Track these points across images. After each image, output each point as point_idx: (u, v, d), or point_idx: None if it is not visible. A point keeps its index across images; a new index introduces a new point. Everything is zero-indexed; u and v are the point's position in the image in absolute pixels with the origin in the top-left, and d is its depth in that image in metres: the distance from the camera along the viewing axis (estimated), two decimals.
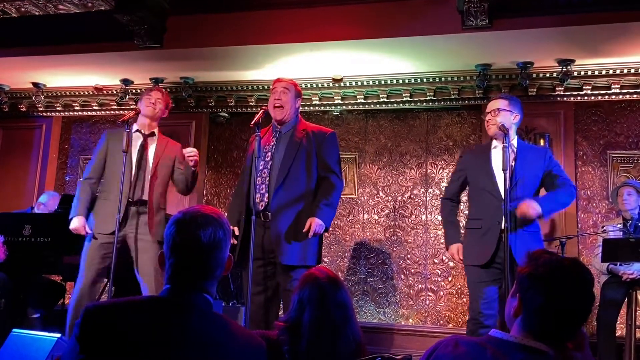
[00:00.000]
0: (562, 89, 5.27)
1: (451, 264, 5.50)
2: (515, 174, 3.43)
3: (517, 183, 3.41)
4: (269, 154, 3.44)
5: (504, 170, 3.26)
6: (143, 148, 3.79)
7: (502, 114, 3.50)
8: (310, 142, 3.43)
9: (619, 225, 4.57)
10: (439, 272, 5.54)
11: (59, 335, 2.96)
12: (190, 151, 3.64)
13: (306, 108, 5.95)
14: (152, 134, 3.88)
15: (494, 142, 3.58)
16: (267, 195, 3.35)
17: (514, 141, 3.55)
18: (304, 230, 3.24)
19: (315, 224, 3.24)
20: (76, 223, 3.60)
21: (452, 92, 5.53)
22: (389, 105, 5.78)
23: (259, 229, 3.31)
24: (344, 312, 2.02)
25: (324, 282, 2.06)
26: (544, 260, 1.48)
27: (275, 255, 3.31)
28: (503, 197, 3.28)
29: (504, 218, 3.25)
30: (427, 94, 5.59)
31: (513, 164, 3.45)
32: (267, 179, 3.38)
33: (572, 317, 1.46)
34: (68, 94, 6.46)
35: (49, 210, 5.15)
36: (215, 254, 1.55)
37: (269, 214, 3.33)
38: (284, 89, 3.52)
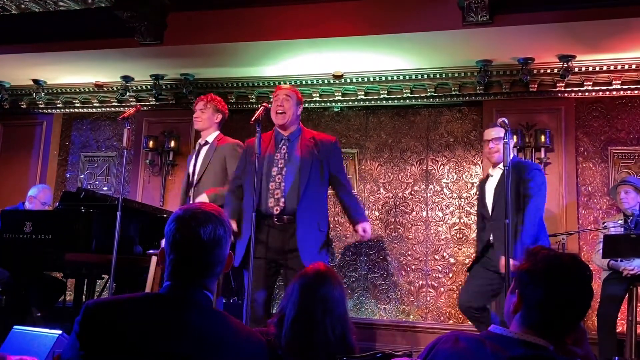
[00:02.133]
0: (563, 84, 5.26)
1: (452, 260, 5.51)
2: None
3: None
4: (282, 160, 3.53)
5: (505, 166, 3.34)
6: (195, 160, 3.96)
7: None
8: (320, 151, 3.58)
9: (619, 222, 4.58)
10: (440, 269, 5.54)
11: (60, 332, 2.96)
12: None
13: (307, 104, 5.94)
14: (206, 143, 3.99)
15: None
16: (282, 200, 3.44)
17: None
18: (362, 234, 3.51)
19: (369, 226, 3.55)
20: None
21: (452, 88, 5.53)
22: (390, 101, 5.77)
23: (273, 231, 3.43)
24: (325, 307, 2.04)
25: (310, 277, 2.10)
26: (542, 256, 1.48)
27: (287, 257, 3.41)
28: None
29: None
30: (428, 90, 5.58)
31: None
32: (282, 184, 3.47)
33: (571, 312, 1.46)
34: (68, 90, 6.46)
35: (42, 203, 5.14)
36: (216, 252, 1.54)
37: (285, 217, 3.43)
38: (286, 96, 3.61)
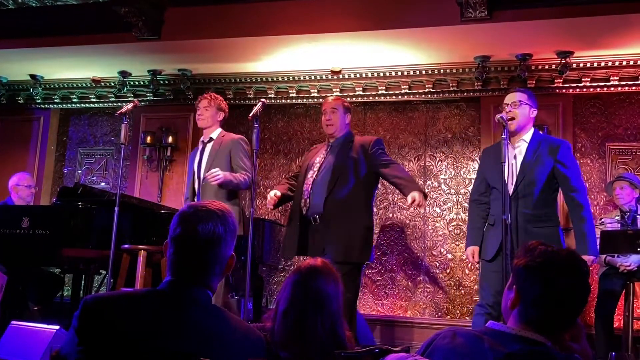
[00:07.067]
0: (561, 80, 5.25)
1: (449, 256, 5.52)
2: (521, 170, 3.44)
3: (522, 179, 3.43)
4: (318, 165, 3.84)
5: (502, 162, 3.29)
6: (200, 157, 4.04)
7: (522, 107, 3.49)
8: (358, 151, 3.79)
9: (616, 217, 4.59)
10: (437, 264, 5.55)
11: (57, 327, 2.97)
12: (210, 174, 3.77)
13: (304, 100, 5.95)
14: (210, 140, 4.08)
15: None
16: (308, 200, 3.76)
17: (528, 135, 3.53)
18: (410, 204, 3.59)
19: (420, 196, 3.59)
20: None
21: (450, 84, 5.52)
22: (388, 97, 5.77)
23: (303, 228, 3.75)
24: (316, 301, 2.05)
25: (303, 271, 2.11)
26: (540, 252, 1.49)
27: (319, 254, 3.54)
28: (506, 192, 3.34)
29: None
30: (426, 86, 5.58)
31: (520, 159, 3.47)
32: (311, 187, 3.76)
33: (568, 307, 1.47)
34: (66, 86, 6.44)
35: (28, 186, 5.18)
36: (214, 250, 1.53)
37: (316, 217, 3.71)
38: (333, 109, 3.90)
